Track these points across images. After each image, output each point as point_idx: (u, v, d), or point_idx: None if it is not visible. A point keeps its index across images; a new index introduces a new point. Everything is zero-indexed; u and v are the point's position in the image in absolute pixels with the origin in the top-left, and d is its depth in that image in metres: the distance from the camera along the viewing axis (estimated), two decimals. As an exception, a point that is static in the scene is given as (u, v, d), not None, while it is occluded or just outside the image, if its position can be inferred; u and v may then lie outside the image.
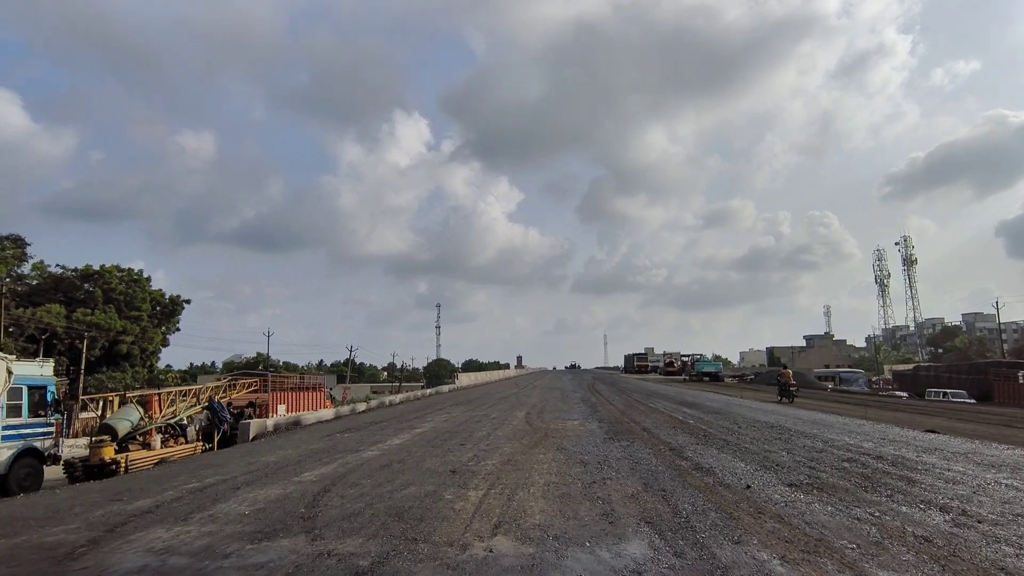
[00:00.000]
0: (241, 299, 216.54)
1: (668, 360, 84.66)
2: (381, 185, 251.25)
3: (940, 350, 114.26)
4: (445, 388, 40.39)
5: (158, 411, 19.14)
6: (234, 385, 26.31)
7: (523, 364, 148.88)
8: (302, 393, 30.19)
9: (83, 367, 40.81)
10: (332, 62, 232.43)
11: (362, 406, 23.62)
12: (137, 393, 20.95)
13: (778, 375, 32.31)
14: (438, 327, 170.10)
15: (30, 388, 13.71)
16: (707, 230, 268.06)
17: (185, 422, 19.02)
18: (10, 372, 12.93)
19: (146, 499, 7.93)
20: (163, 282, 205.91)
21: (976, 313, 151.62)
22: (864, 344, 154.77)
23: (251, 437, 15.07)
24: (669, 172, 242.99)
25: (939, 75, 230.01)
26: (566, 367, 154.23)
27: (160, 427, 17.95)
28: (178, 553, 5.35)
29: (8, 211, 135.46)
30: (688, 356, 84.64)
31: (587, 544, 5.24)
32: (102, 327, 46.94)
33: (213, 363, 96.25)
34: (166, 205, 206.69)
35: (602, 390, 34.47)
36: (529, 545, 5.25)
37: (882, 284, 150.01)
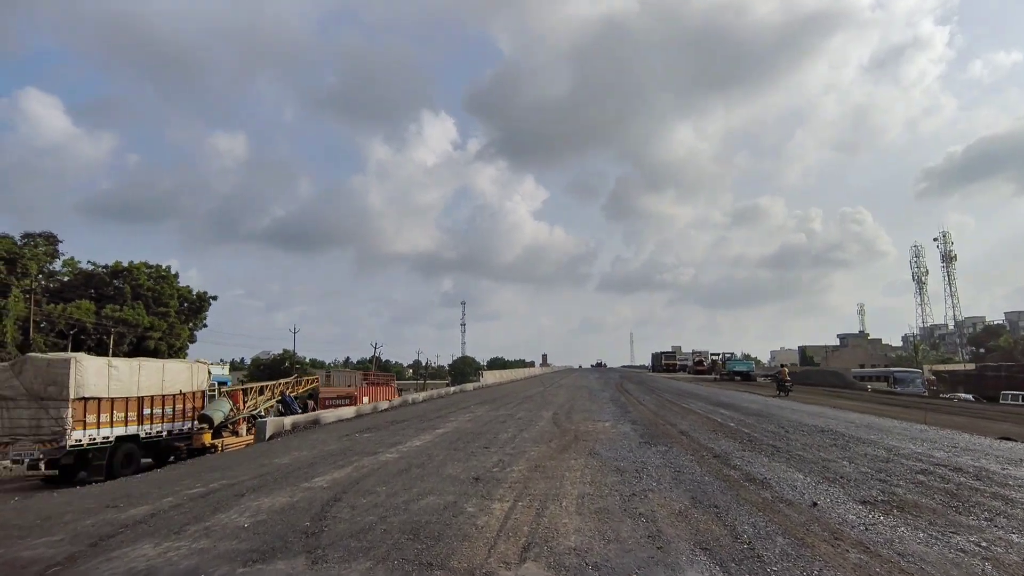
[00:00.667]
0: (270, 297, 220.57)
1: (697, 359, 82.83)
2: (408, 184, 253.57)
3: (982, 350, 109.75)
4: (470, 386, 39.74)
5: (242, 404, 21.43)
6: (300, 381, 29.52)
7: (548, 362, 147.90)
8: (377, 388, 36.45)
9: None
10: (360, 63, 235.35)
11: (384, 404, 23.03)
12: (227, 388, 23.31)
13: (776, 372, 38.14)
14: (463, 325, 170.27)
15: (219, 384, 17.66)
16: (736, 228, 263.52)
17: (263, 413, 21.63)
18: (209, 372, 16.11)
19: (143, 506, 7.29)
20: (196, 280, 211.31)
21: (1020, 311, 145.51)
22: (901, 344, 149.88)
23: (267, 436, 14.51)
24: (697, 169, 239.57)
25: (978, 67, 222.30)
26: (592, 365, 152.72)
27: (245, 417, 20.74)
28: (158, 577, 4.65)
29: (51, 211, 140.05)
30: (718, 355, 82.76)
31: (635, 578, 4.37)
32: (130, 323, 47.47)
33: (242, 359, 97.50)
34: (200, 205, 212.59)
35: (631, 389, 33.39)
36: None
37: (920, 282, 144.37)
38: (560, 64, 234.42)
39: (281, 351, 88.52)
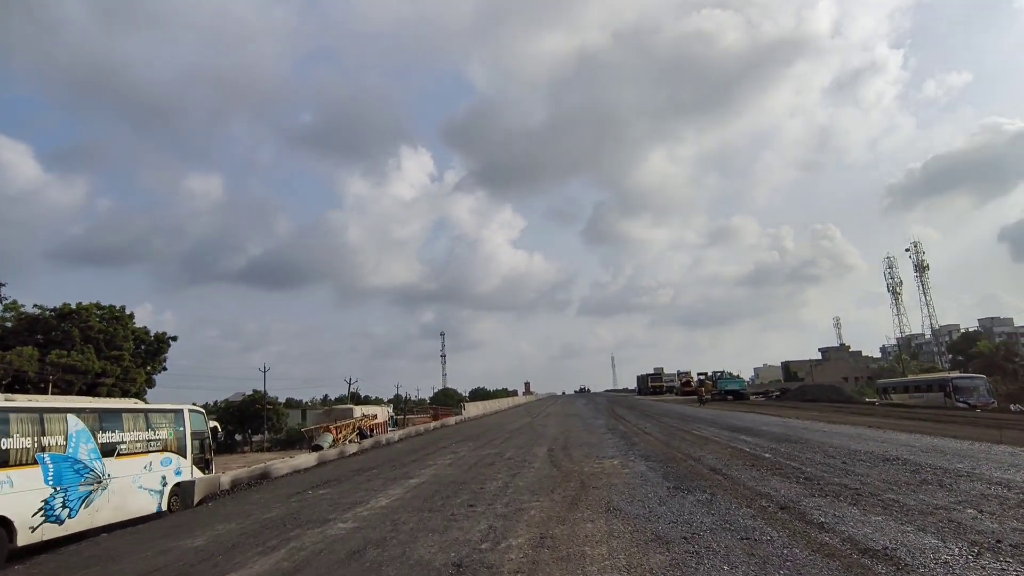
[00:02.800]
0: (247, 337, 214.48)
1: (685, 379, 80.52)
2: (386, 218, 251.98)
3: (960, 357, 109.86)
4: (451, 420, 36.76)
5: (336, 435, 29.04)
6: (365, 416, 38.14)
7: (531, 390, 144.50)
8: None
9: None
10: (338, 102, 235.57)
11: (353, 447, 20.13)
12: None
13: (700, 384, 41.79)
14: (443, 356, 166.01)
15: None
16: (711, 248, 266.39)
17: (348, 441, 26.96)
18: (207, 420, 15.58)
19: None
20: (170, 323, 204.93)
21: (993, 317, 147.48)
22: (879, 354, 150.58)
23: (195, 502, 11.60)
24: (671, 193, 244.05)
25: (932, 87, 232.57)
26: (575, 391, 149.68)
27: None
28: None
29: (19, 259, 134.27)
30: (703, 374, 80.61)
31: None
32: (78, 369, 43.51)
33: (215, 402, 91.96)
34: (174, 247, 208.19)
35: (626, 415, 30.84)
36: None
37: (894, 292, 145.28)
38: (536, 96, 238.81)
39: (251, 391, 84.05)
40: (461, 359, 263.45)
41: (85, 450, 10.58)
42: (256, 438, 78.97)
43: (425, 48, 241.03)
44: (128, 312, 54.70)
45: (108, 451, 11.07)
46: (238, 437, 78.74)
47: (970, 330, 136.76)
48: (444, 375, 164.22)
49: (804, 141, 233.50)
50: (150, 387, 56.96)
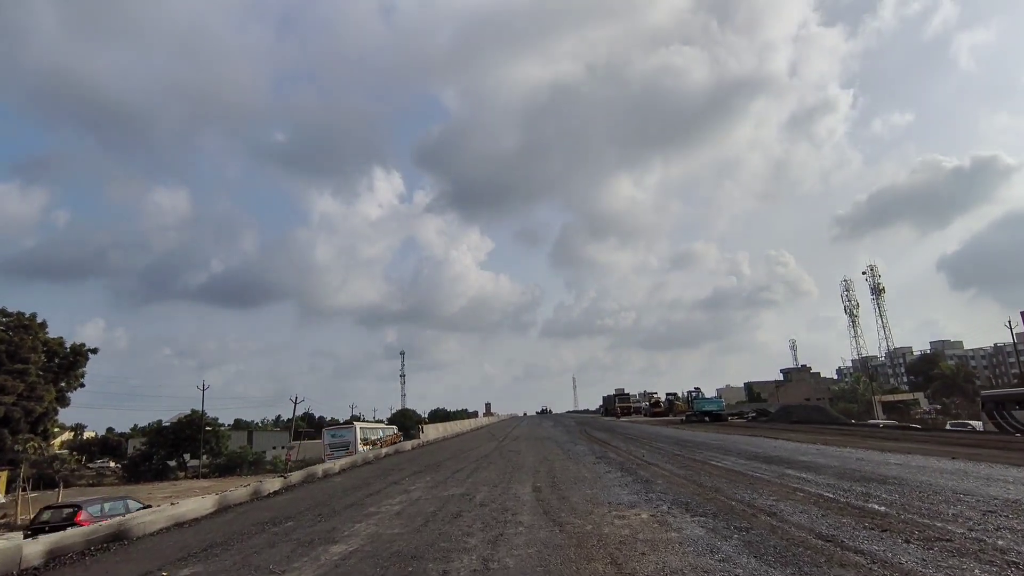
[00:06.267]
0: (204, 355, 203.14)
1: (654, 399, 77.51)
2: (354, 237, 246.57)
3: (919, 379, 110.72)
4: (407, 445, 32.08)
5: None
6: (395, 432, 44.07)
7: (492, 411, 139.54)
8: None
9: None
10: (312, 121, 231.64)
11: (275, 484, 15.53)
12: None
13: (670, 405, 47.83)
14: (403, 375, 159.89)
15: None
16: (673, 272, 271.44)
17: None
18: None
19: None
20: (123, 340, 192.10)
21: (944, 341, 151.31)
22: (835, 376, 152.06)
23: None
24: (636, 218, 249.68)
25: (878, 125, 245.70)
26: (537, 412, 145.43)
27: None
28: None
29: None
30: (673, 394, 77.72)
31: None
32: (-39, 384, 37.08)
33: (160, 421, 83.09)
34: (135, 262, 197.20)
35: (608, 439, 26.94)
36: None
37: (852, 314, 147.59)
38: (509, 122, 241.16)
39: (190, 411, 76.39)
40: (423, 380, 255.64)
41: None
42: (192, 463, 71.49)
43: (402, 72, 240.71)
44: (40, 320, 48.13)
45: None
46: (172, 463, 71.27)
47: (926, 352, 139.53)
48: (403, 395, 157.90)
49: (762, 173, 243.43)
50: (62, 405, 50.07)
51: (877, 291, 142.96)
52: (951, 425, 37.07)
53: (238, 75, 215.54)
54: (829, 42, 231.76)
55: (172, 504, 11.17)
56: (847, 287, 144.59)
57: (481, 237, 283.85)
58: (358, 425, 40.04)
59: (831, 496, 8.85)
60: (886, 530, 6.54)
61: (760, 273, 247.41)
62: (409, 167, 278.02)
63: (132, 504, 17.88)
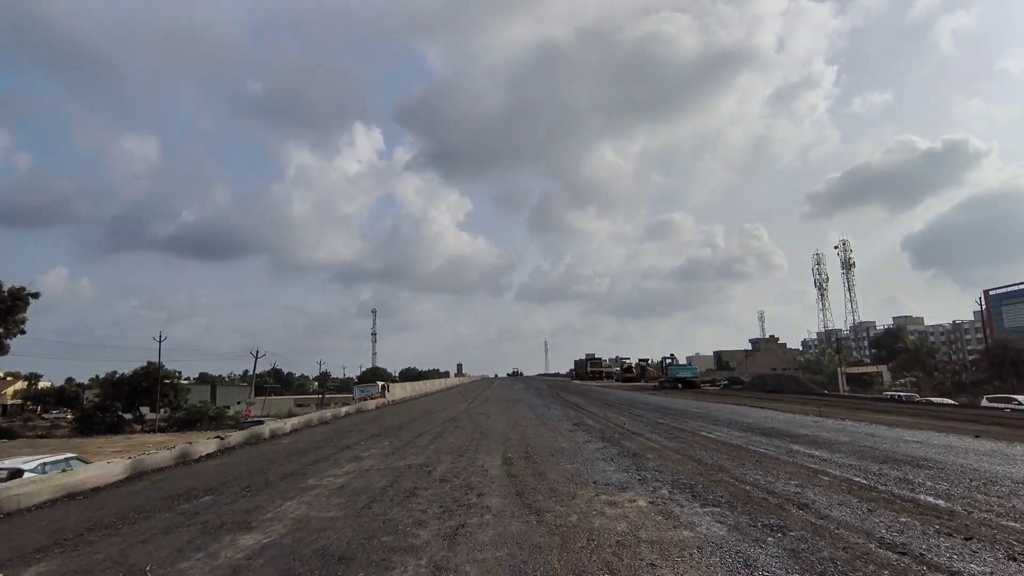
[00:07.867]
0: (172, 308, 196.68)
1: (626, 364, 77.08)
2: (331, 192, 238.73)
3: (883, 352, 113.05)
4: (371, 404, 30.32)
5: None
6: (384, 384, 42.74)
7: (464, 372, 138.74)
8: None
9: None
10: (293, 73, 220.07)
11: (210, 446, 13.62)
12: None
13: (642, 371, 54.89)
14: (374, 334, 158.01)
15: None
16: (648, 241, 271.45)
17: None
18: None
19: None
20: (88, 290, 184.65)
21: (907, 316, 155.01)
22: (800, 348, 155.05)
23: None
24: (617, 187, 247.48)
25: (858, 104, 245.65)
26: (508, 374, 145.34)
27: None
28: None
29: None
30: (646, 360, 77.36)
31: None
32: None
33: (115, 372, 79.22)
34: (101, 210, 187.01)
35: (582, 404, 25.62)
36: None
37: (821, 288, 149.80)
38: (494, 84, 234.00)
39: (146, 363, 73.24)
40: (397, 339, 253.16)
41: None
42: (150, 416, 68.80)
43: (388, 27, 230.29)
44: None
45: None
46: (128, 415, 68.50)
47: (888, 327, 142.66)
48: (374, 354, 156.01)
49: (741, 147, 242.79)
50: (1, 352, 46.97)
51: (847, 265, 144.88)
52: (987, 400, 30.11)
53: (214, 20, 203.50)
54: (818, 18, 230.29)
55: (65, 471, 9.19)
56: (819, 260, 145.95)
57: (460, 198, 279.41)
58: (379, 384, 43.78)
59: (864, 482, 7.34)
60: (970, 537, 4.99)
61: (734, 245, 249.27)
62: (390, 124, 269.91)
63: (75, 464, 15.28)
